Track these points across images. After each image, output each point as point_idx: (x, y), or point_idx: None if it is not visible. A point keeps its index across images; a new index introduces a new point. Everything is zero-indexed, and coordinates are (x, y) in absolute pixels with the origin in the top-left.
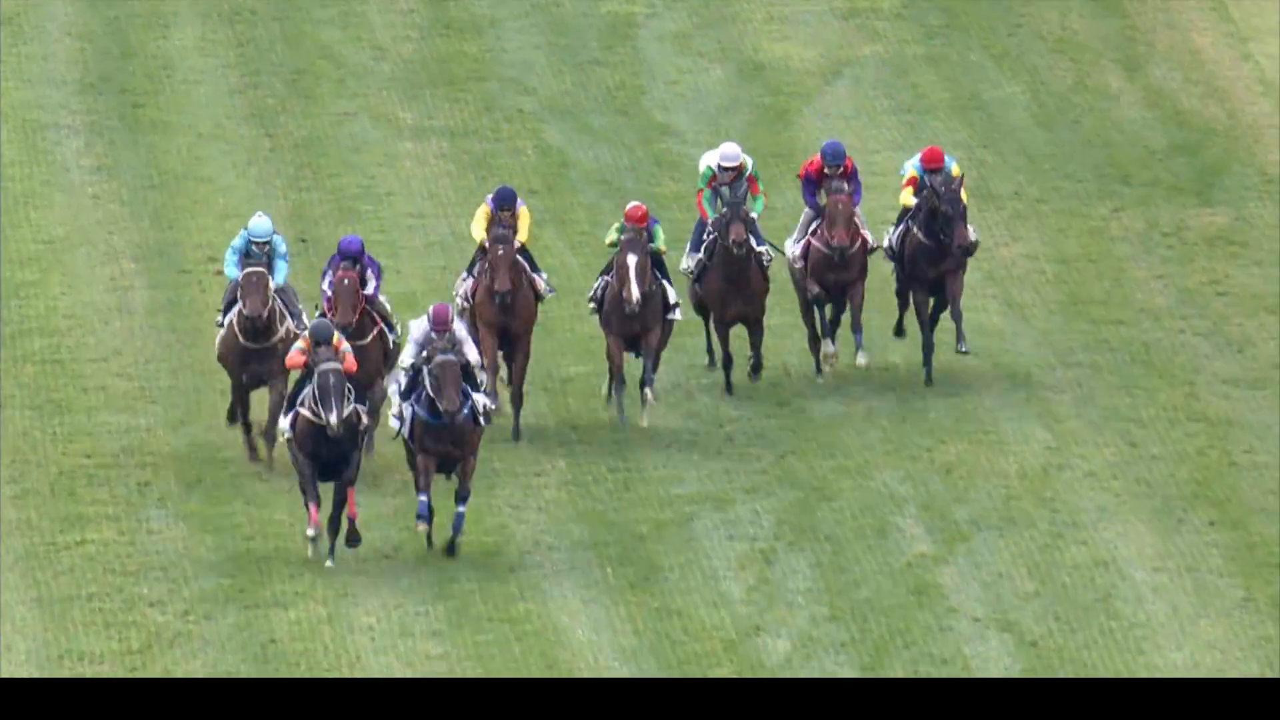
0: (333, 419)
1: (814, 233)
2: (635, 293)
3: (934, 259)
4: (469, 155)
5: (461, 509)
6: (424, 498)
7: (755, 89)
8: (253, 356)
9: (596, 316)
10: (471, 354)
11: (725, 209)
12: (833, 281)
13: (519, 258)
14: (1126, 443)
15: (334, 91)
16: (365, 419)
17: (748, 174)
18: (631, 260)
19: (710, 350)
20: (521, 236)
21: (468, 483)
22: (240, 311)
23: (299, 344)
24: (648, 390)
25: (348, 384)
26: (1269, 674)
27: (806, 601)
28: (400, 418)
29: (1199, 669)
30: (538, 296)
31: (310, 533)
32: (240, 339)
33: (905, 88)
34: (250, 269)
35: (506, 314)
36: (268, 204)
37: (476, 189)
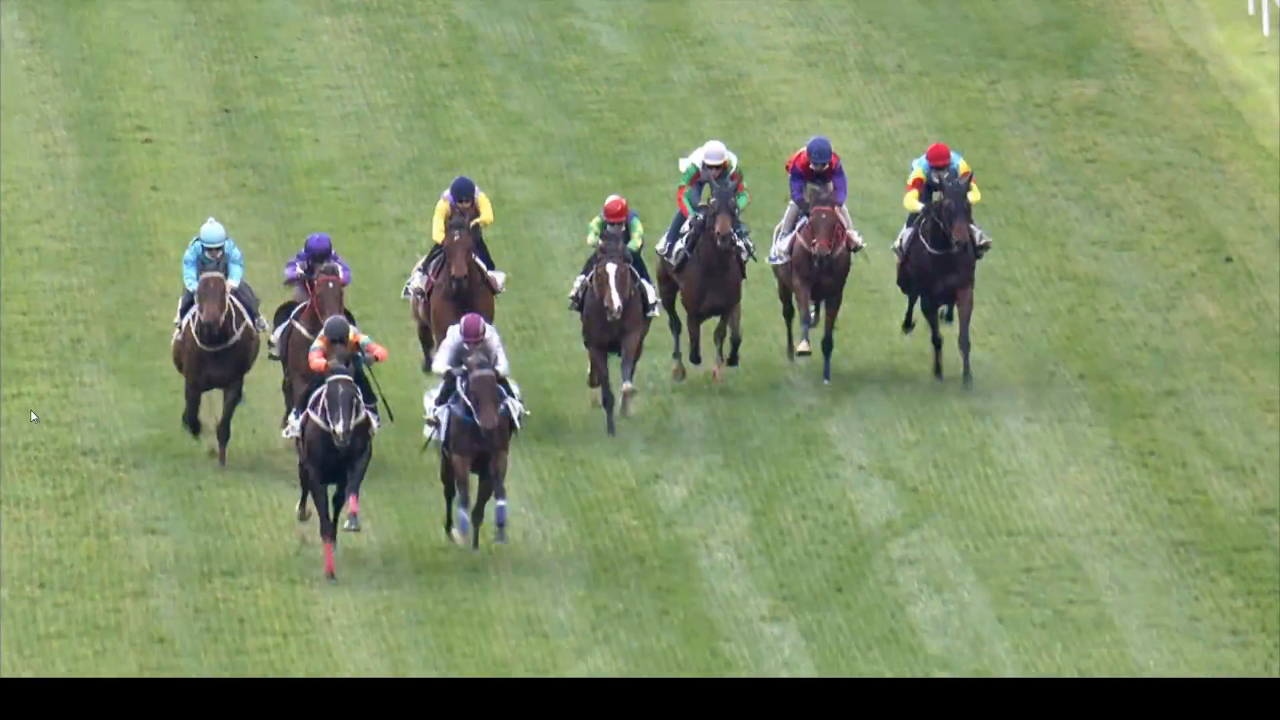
0: (339, 429)
1: (800, 230)
2: (616, 301)
3: (942, 269)
4: (383, 30)
5: (502, 502)
6: (465, 514)
7: None
8: (210, 360)
9: (578, 314)
10: (503, 363)
11: (714, 200)
12: (815, 281)
13: (476, 259)
14: (1002, 301)
15: None
16: (376, 424)
17: (731, 172)
18: (611, 269)
19: (676, 353)
20: (485, 217)
21: (502, 481)
22: (197, 317)
23: (317, 343)
24: (627, 384)
25: (358, 391)
26: (1133, 517)
27: (701, 451)
28: (435, 424)
29: (1068, 512)
30: (493, 290)
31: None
32: (197, 343)
33: None
34: (207, 275)
35: (462, 305)
36: (193, 76)
37: (390, 61)
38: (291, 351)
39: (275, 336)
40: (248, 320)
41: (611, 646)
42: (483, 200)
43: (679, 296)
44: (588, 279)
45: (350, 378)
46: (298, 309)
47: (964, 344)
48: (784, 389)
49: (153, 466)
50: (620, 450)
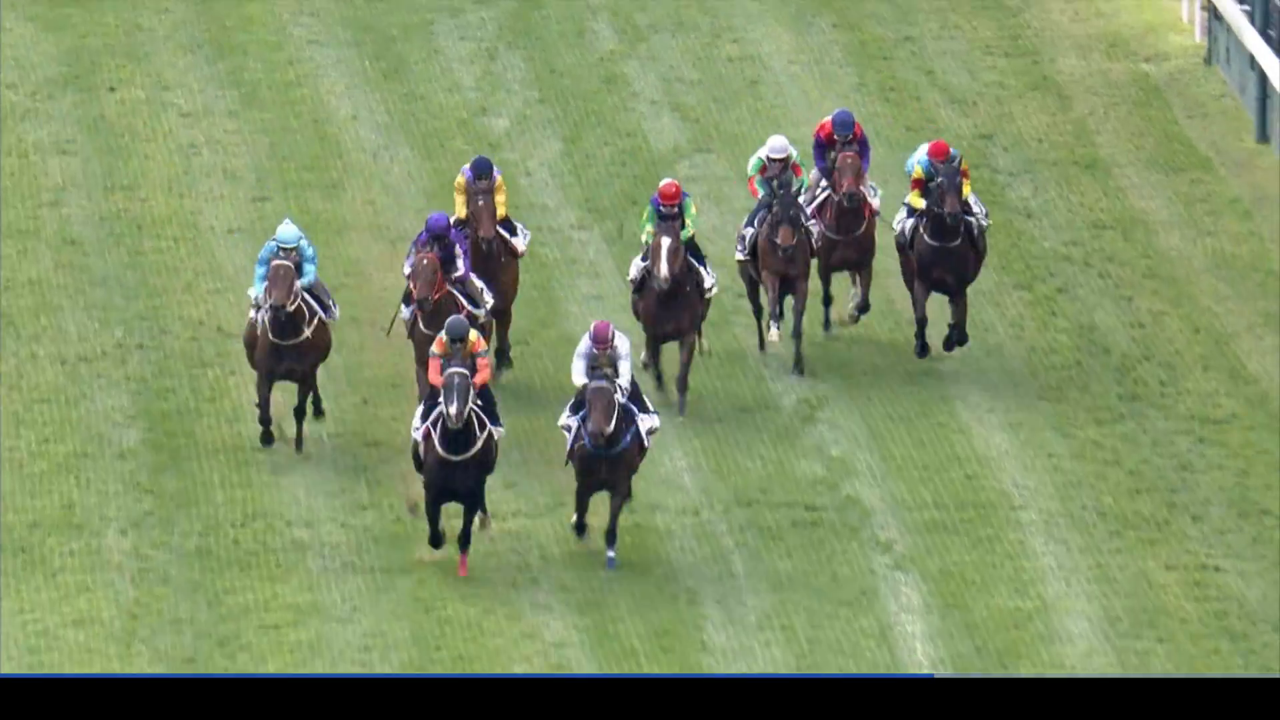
0: (453, 409)
1: (824, 198)
2: (664, 270)
3: (941, 261)
4: None
5: (612, 553)
6: (581, 521)
7: None
8: (284, 354)
9: (633, 299)
10: (626, 372)
11: (778, 209)
12: (845, 232)
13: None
14: None
15: None
16: (499, 434)
17: (792, 162)
18: (665, 242)
19: (760, 327)
20: (499, 211)
21: (615, 521)
22: (270, 306)
23: (434, 349)
24: (681, 397)
25: (471, 382)
26: (875, 141)
27: (521, 88)
28: (569, 429)
29: None
30: (514, 255)
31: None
32: (270, 337)
33: None
34: (278, 263)
35: (488, 263)
36: None
37: None
38: (418, 338)
39: (405, 315)
40: (320, 314)
41: None
42: (500, 185)
43: (759, 269)
44: (646, 264)
45: (466, 371)
46: (411, 270)
47: (958, 329)
48: (589, 36)
49: (64, 98)
50: (454, 88)
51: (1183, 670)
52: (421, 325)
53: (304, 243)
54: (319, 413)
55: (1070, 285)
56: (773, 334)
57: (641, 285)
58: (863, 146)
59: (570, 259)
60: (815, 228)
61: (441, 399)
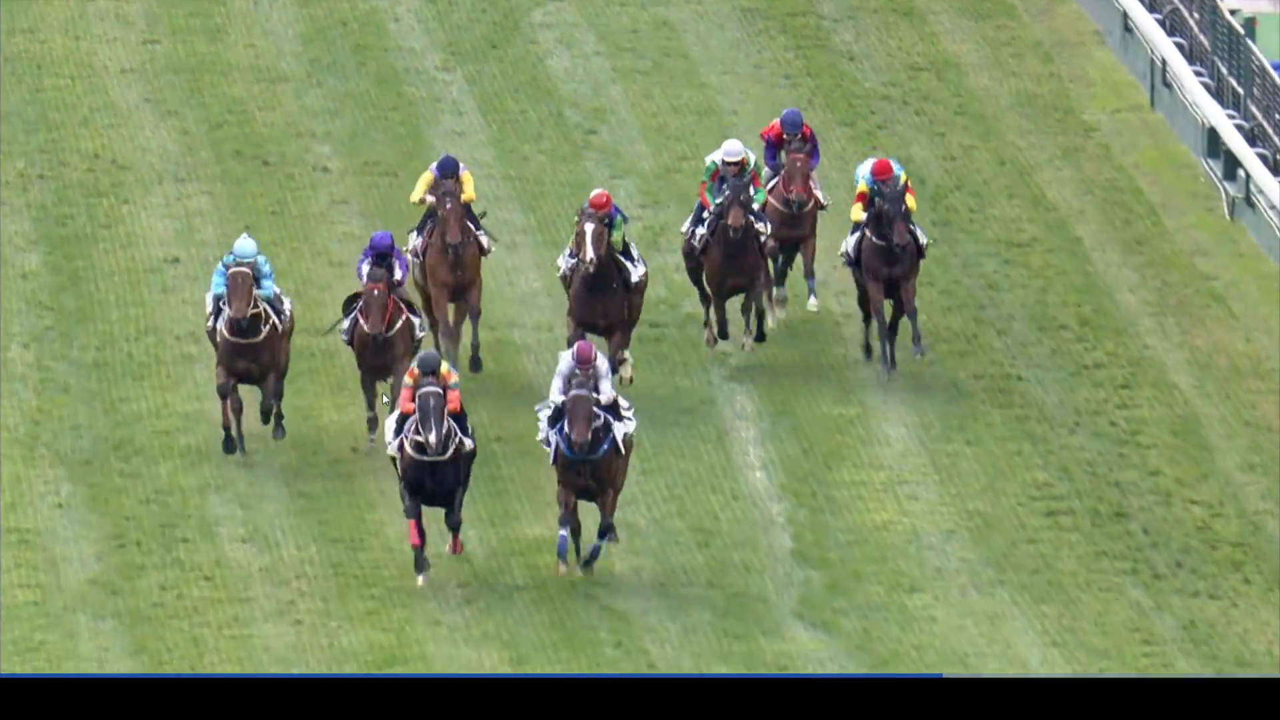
0: (432, 438)
1: (771, 190)
2: (590, 253)
3: (886, 259)
4: None
5: (598, 544)
6: (564, 532)
7: None
8: (242, 352)
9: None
10: (607, 390)
11: (728, 192)
12: (787, 235)
13: (467, 223)
14: None
15: None
16: (470, 445)
17: (749, 169)
18: (589, 227)
19: (707, 323)
20: (468, 194)
21: (608, 517)
22: (229, 318)
23: (406, 379)
24: (625, 353)
25: (445, 401)
26: None
27: None
28: (548, 443)
29: None
30: (482, 251)
31: (418, 566)
32: (226, 335)
33: None
34: (236, 270)
35: (456, 266)
36: None
37: None
38: (358, 344)
39: (345, 325)
40: (275, 319)
41: (324, 89)
42: (466, 177)
43: (704, 275)
44: (573, 259)
45: (440, 390)
46: (363, 302)
47: (911, 315)
48: None
49: None
50: None
51: (988, 470)
52: (363, 324)
53: (261, 259)
54: (278, 424)
55: (889, 122)
56: (747, 343)
57: (570, 279)
58: (812, 145)
59: (435, 97)
60: (766, 227)
61: (419, 423)
